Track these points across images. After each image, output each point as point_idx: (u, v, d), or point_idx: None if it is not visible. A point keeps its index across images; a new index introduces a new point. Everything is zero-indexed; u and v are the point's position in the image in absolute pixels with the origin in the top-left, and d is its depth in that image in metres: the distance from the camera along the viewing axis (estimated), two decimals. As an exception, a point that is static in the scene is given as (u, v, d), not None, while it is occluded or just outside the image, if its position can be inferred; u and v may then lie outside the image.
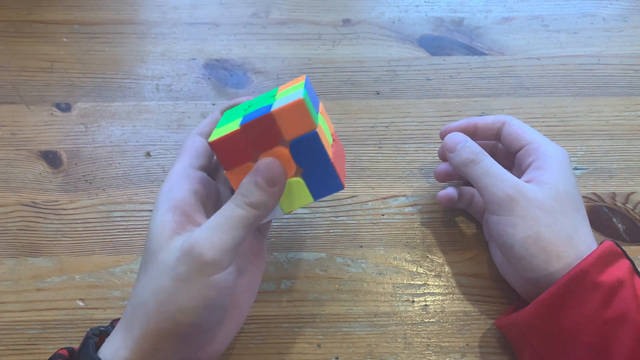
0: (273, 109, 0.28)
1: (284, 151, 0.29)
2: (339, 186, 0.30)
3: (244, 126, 0.29)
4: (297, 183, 0.30)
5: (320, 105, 0.33)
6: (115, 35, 0.52)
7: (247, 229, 0.29)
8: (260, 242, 0.34)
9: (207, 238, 0.27)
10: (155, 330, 0.27)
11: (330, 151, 0.30)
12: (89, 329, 0.30)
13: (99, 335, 0.30)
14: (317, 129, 0.29)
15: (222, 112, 0.34)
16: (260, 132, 0.29)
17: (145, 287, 0.28)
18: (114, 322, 0.32)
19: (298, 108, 0.28)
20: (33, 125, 0.46)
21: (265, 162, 0.29)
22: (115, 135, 0.46)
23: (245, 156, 0.30)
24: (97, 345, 0.29)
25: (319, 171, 0.30)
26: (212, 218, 0.28)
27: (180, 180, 0.31)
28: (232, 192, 0.35)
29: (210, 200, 0.32)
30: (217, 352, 0.31)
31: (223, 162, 0.30)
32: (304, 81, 0.31)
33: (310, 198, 0.31)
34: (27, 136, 0.46)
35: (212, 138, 0.30)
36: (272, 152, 0.29)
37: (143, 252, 0.30)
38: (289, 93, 0.30)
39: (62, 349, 0.30)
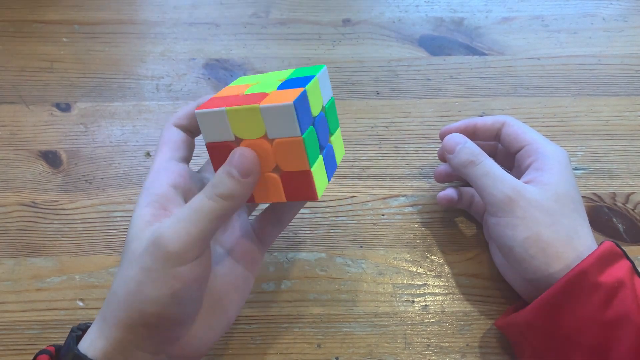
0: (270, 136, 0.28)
1: (266, 144, 0.28)
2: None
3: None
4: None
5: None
6: (115, 35, 0.52)
7: (217, 220, 0.28)
8: (257, 247, 0.34)
9: (172, 229, 0.27)
10: (124, 320, 0.27)
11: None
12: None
13: (84, 330, 0.30)
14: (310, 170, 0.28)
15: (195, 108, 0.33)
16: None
17: (118, 277, 0.28)
18: None
19: (295, 146, 0.28)
20: (33, 125, 0.46)
21: (240, 151, 0.28)
22: (115, 135, 0.46)
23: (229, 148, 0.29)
24: (79, 339, 0.29)
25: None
26: (181, 210, 0.28)
27: (160, 173, 0.30)
28: None
29: (193, 191, 0.32)
30: (198, 349, 0.31)
31: (215, 163, 0.30)
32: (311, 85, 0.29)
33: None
34: (27, 136, 0.46)
35: (227, 110, 0.29)
36: (253, 142, 0.29)
37: None
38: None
39: (49, 345, 0.30)
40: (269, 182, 0.30)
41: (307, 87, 0.28)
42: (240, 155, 0.28)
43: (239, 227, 0.34)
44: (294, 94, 0.28)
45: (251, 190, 0.29)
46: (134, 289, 0.27)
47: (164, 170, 0.31)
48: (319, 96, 0.30)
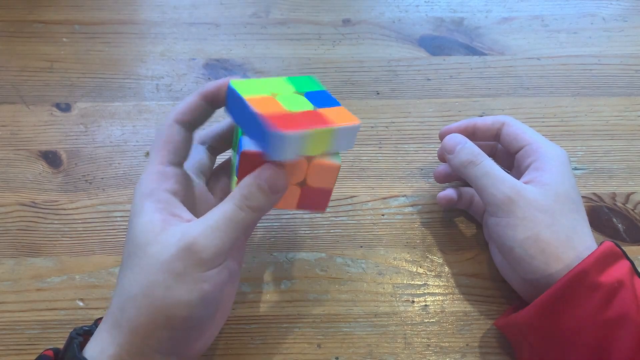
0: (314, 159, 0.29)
1: (303, 161, 0.30)
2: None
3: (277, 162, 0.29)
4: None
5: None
6: (115, 35, 0.52)
7: (245, 230, 0.29)
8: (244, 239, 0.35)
9: (206, 237, 0.27)
10: (146, 324, 0.27)
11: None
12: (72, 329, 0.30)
13: (83, 334, 0.30)
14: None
15: (202, 95, 0.32)
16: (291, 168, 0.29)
17: (134, 281, 0.28)
18: (97, 321, 0.31)
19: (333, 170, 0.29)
20: (33, 125, 0.46)
21: (273, 169, 0.29)
22: (115, 135, 0.46)
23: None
24: (82, 345, 0.29)
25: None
26: (212, 217, 0.28)
27: (159, 180, 0.30)
28: (202, 177, 0.34)
29: (190, 197, 0.32)
30: (203, 347, 0.31)
31: (242, 169, 0.30)
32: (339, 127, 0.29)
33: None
34: (27, 136, 0.46)
35: (238, 88, 0.29)
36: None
37: (125, 247, 0.29)
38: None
39: (47, 349, 0.30)
40: (287, 192, 0.30)
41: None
42: (273, 172, 0.29)
43: None
44: (348, 114, 0.29)
45: (275, 204, 0.30)
46: (161, 293, 0.27)
47: (163, 177, 0.30)
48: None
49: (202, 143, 0.35)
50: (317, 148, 0.28)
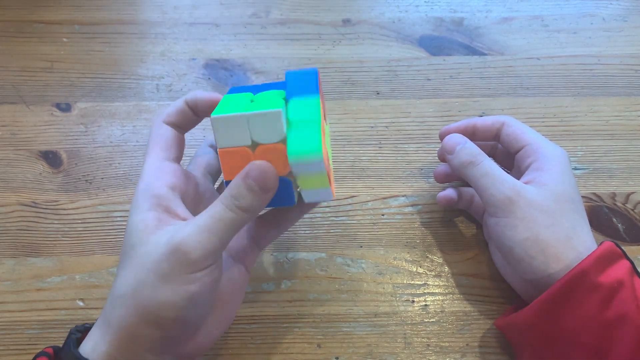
0: (288, 152, 0.28)
1: (281, 148, 0.28)
2: (329, 196, 0.30)
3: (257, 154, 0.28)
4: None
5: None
6: (115, 35, 0.52)
7: (235, 231, 0.28)
8: (252, 246, 0.34)
9: (194, 238, 0.27)
10: (135, 323, 0.27)
11: (328, 169, 0.30)
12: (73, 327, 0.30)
13: (84, 331, 0.30)
14: (327, 180, 0.28)
15: (187, 102, 0.33)
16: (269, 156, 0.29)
17: (125, 281, 0.28)
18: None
19: (316, 162, 0.27)
20: (33, 125, 0.46)
21: (260, 167, 0.28)
22: (115, 135, 0.46)
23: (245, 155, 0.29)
24: (80, 341, 0.29)
25: (312, 181, 0.29)
26: (201, 217, 0.28)
27: (156, 175, 0.30)
28: (210, 178, 0.35)
29: (189, 192, 0.32)
30: (199, 348, 0.31)
31: (226, 169, 0.29)
32: (316, 95, 0.29)
33: (292, 201, 0.30)
34: (27, 136, 0.46)
35: (215, 113, 0.29)
36: (269, 147, 0.29)
37: (122, 247, 0.30)
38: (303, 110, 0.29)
39: (48, 347, 0.30)
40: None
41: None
42: (261, 171, 0.28)
43: None
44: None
45: (266, 203, 0.29)
46: (149, 294, 0.27)
47: (159, 172, 0.30)
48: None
49: (212, 145, 0.36)
50: (268, 133, 0.28)
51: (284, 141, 0.28)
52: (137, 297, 0.27)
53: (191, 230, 0.27)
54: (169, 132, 0.32)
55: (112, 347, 0.28)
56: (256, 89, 0.32)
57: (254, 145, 0.29)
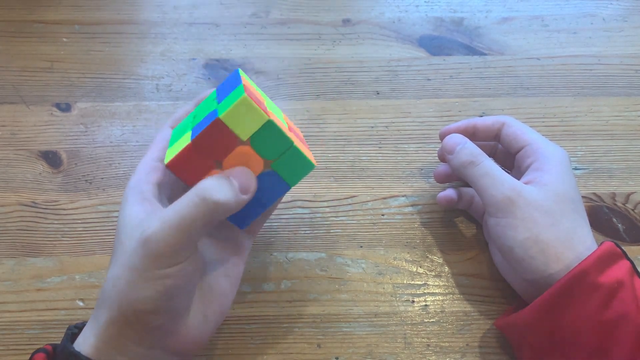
0: (219, 114, 0.28)
1: (246, 149, 0.29)
2: (310, 165, 0.31)
3: (197, 139, 0.28)
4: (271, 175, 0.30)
5: (264, 99, 0.32)
6: (115, 35, 0.52)
7: (205, 227, 0.27)
8: (241, 233, 0.34)
9: (162, 232, 0.26)
10: (117, 318, 0.28)
11: (290, 135, 0.30)
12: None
13: (81, 329, 0.30)
14: (270, 118, 0.28)
15: (173, 127, 0.34)
16: (214, 139, 0.28)
17: (108, 275, 0.29)
18: None
19: (243, 105, 0.27)
20: (33, 125, 0.46)
21: (239, 169, 0.29)
22: (115, 135, 0.46)
23: (206, 167, 0.29)
24: (75, 338, 0.29)
25: (286, 158, 0.30)
26: (170, 211, 0.27)
27: (147, 172, 0.31)
28: None
29: (177, 191, 0.32)
30: (194, 341, 0.30)
31: (185, 179, 0.29)
32: (240, 81, 0.29)
33: (286, 186, 0.31)
34: (27, 136, 0.46)
35: (167, 159, 0.29)
36: (235, 155, 0.29)
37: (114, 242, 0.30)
38: (230, 94, 0.29)
39: (47, 344, 0.30)
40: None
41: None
42: (243, 172, 0.28)
43: None
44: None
45: (243, 205, 0.29)
46: (125, 288, 0.27)
47: (151, 169, 0.31)
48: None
49: None
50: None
51: (246, 142, 0.29)
52: (115, 292, 0.28)
53: (158, 224, 0.27)
54: (169, 135, 0.33)
55: (100, 341, 0.28)
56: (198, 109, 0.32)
57: (218, 164, 0.29)
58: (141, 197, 0.30)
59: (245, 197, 0.28)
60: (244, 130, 0.28)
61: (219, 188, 0.27)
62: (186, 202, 0.27)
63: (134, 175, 0.31)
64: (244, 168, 0.29)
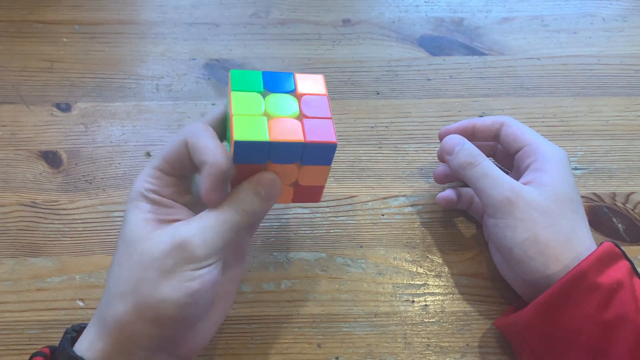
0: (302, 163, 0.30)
1: (294, 167, 0.30)
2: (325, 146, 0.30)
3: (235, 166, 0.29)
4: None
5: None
6: (115, 35, 0.52)
7: (238, 232, 0.29)
8: (244, 239, 0.34)
9: (200, 236, 0.28)
10: (133, 321, 0.27)
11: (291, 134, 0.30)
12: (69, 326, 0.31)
13: (79, 331, 0.30)
14: (269, 139, 0.28)
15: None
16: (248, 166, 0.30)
17: (122, 278, 0.28)
18: None
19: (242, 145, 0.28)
20: (33, 125, 0.46)
21: (270, 177, 0.30)
22: (115, 135, 0.46)
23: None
24: (75, 341, 0.29)
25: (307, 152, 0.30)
26: (207, 217, 0.29)
27: (154, 177, 0.31)
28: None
29: (184, 194, 0.32)
30: (196, 347, 0.31)
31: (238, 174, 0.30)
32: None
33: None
34: (27, 136, 0.46)
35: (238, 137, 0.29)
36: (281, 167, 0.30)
37: (117, 244, 0.30)
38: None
39: (44, 347, 0.30)
40: (282, 191, 0.32)
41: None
42: (270, 180, 0.30)
43: None
44: (327, 129, 0.29)
45: (269, 209, 0.31)
46: (149, 290, 0.27)
47: (158, 178, 0.31)
48: None
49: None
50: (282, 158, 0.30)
51: (298, 164, 0.30)
52: (136, 294, 0.27)
53: (197, 228, 0.28)
54: (179, 147, 0.31)
55: (108, 345, 0.28)
56: (264, 79, 0.32)
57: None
58: (151, 199, 0.30)
59: (271, 203, 0.30)
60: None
61: (250, 200, 0.29)
62: (226, 210, 0.29)
63: (141, 177, 0.31)
64: (274, 177, 0.30)
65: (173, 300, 0.27)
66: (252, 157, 0.29)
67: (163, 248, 0.27)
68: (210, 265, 0.28)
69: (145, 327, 0.27)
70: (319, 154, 0.30)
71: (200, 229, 0.28)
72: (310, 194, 0.33)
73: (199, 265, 0.28)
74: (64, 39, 0.52)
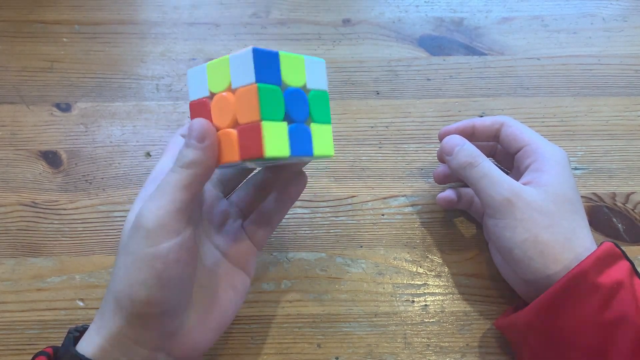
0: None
1: (230, 97, 0.29)
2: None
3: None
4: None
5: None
6: (115, 35, 0.52)
7: (185, 190, 0.28)
8: (250, 249, 0.34)
9: (146, 207, 0.27)
10: (116, 310, 0.28)
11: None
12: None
13: (82, 331, 0.30)
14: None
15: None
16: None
17: (112, 272, 0.29)
18: None
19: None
20: (33, 125, 0.46)
21: (194, 121, 0.29)
22: (115, 135, 0.46)
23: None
24: (77, 341, 0.29)
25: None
26: (150, 187, 0.29)
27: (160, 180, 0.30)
28: (217, 187, 0.35)
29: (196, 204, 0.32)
30: (196, 348, 0.30)
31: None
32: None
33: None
34: (27, 136, 0.46)
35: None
36: (220, 98, 0.30)
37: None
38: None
39: (48, 347, 0.30)
40: (227, 141, 0.29)
41: (281, 52, 0.31)
42: (194, 123, 0.28)
43: (232, 230, 0.34)
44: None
45: (212, 153, 0.28)
46: (122, 276, 0.28)
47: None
48: (299, 72, 0.31)
49: None
50: (220, 81, 0.30)
51: (231, 87, 0.29)
52: (115, 282, 0.28)
53: (146, 202, 0.28)
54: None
55: (106, 341, 0.28)
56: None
57: (212, 96, 0.30)
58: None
59: (207, 143, 0.28)
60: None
61: (182, 154, 0.28)
62: (165, 175, 0.29)
63: (149, 184, 0.31)
64: (197, 119, 0.29)
65: (141, 282, 0.27)
66: (198, 89, 0.30)
67: (127, 232, 0.28)
68: (169, 237, 0.27)
69: (128, 317, 0.28)
70: (241, 67, 0.29)
71: (147, 200, 0.28)
72: (251, 139, 0.28)
73: (156, 239, 0.27)
74: (64, 39, 0.52)
